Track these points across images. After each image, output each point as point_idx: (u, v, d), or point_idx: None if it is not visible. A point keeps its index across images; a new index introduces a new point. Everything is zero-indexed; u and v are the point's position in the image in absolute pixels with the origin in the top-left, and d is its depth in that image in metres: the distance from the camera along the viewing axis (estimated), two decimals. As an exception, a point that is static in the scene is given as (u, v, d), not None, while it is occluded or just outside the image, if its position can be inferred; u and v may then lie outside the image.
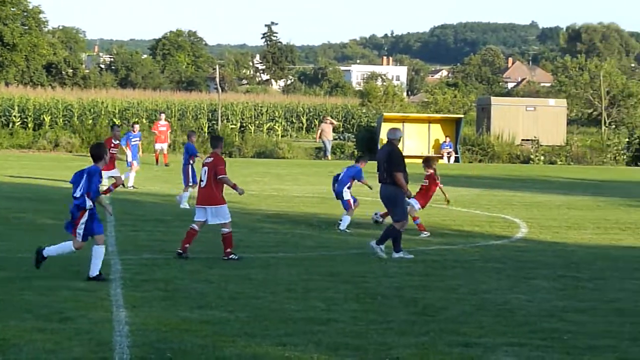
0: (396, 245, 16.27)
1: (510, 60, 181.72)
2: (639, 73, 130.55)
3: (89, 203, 12.98)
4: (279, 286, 13.27)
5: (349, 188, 20.58)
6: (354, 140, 54.21)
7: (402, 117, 53.02)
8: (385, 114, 53.32)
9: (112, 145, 26.18)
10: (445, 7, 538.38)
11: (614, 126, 65.85)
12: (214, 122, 59.80)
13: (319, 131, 50.79)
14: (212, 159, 15.86)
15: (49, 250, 13.37)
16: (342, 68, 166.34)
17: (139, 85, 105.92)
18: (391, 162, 16.17)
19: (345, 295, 12.73)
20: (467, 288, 13.55)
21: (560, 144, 54.57)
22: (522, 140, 55.08)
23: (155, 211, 22.87)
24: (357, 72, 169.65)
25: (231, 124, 59.99)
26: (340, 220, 20.14)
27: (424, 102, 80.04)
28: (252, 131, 59.67)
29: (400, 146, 17.04)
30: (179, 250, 15.61)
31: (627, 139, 56.69)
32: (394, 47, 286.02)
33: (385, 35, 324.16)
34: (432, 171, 20.15)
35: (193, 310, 11.41)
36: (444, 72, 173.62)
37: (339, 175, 20.91)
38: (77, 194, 12.99)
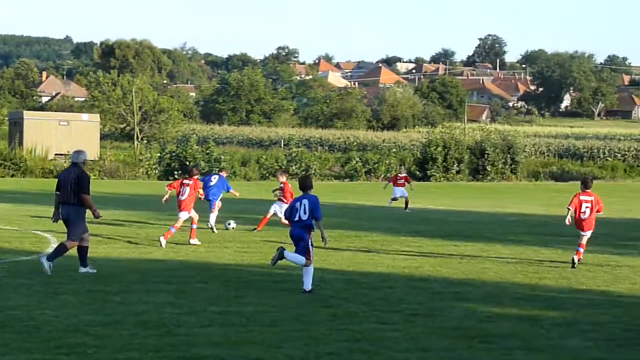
0: (53, 257, 16.69)
1: (45, 74, 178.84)
2: (170, 90, 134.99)
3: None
4: None
5: None
6: None
7: None
8: None
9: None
10: None
11: (146, 141, 67.44)
12: None
13: None
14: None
15: (289, 255, 15.21)
16: None
17: None
18: (80, 184, 16.49)
19: None
20: (-9, 307, 13.12)
21: (93, 158, 54.78)
22: (56, 154, 54.58)
23: None
24: None
25: None
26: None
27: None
28: None
29: None
30: None
31: (158, 154, 58.33)
32: None
33: None
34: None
35: None
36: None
37: None
38: (304, 217, 15.22)
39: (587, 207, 19.85)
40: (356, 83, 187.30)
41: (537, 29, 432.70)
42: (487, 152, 64.80)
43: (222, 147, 75.95)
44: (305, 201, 15.25)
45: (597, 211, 20.00)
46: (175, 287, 15.51)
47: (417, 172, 63.77)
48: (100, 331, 11.73)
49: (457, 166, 64.12)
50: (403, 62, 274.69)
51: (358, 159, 64.62)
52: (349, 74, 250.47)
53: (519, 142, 69.08)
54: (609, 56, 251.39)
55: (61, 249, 16.82)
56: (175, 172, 56.10)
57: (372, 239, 24.53)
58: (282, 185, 25.87)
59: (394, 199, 36.97)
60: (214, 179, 26.26)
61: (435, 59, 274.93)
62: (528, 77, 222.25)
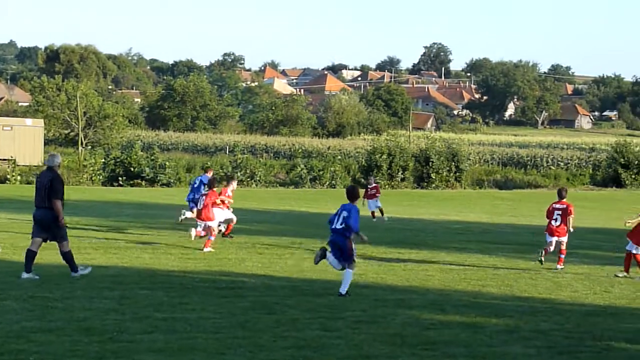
0: (72, 265, 17.20)
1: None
2: (115, 95, 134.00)
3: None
4: None
5: None
6: None
7: None
8: None
9: None
10: None
11: (90, 147, 66.88)
12: None
13: None
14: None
15: (329, 257, 16.00)
16: None
17: None
18: (52, 188, 16.53)
19: None
20: None
21: (37, 164, 54.23)
22: (0, 159, 53.94)
23: None
24: None
25: None
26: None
27: None
28: None
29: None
30: None
31: (103, 160, 57.86)
32: None
33: None
34: None
35: None
36: None
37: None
38: (338, 225, 15.82)
39: (558, 214, 21.46)
40: (302, 90, 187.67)
41: (482, 38, 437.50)
42: (431, 160, 65.26)
43: (167, 154, 75.59)
44: (344, 212, 15.87)
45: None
46: (119, 294, 15.40)
47: (362, 180, 64.05)
48: (42, 338, 11.61)
49: (402, 174, 64.48)
50: (349, 69, 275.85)
51: (303, 166, 64.68)
52: (294, 81, 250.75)
53: (463, 150, 69.64)
54: (552, 65, 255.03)
55: (67, 256, 17.09)
56: (120, 178, 55.66)
57: (317, 245, 24.56)
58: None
59: (374, 213, 34.41)
60: (198, 181, 27.72)
61: (380, 67, 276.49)
62: (473, 86, 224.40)
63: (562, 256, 21.44)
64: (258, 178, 62.58)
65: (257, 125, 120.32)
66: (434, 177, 65.18)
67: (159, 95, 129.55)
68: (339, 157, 75.76)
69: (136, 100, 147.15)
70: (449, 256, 23.15)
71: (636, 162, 69.90)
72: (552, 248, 21.48)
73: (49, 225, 16.81)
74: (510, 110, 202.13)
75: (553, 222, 21.46)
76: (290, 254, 22.64)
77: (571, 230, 21.60)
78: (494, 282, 18.60)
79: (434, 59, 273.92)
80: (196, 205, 25.26)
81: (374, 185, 35.25)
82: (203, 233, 23.34)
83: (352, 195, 16.17)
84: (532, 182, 71.96)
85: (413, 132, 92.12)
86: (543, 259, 21.30)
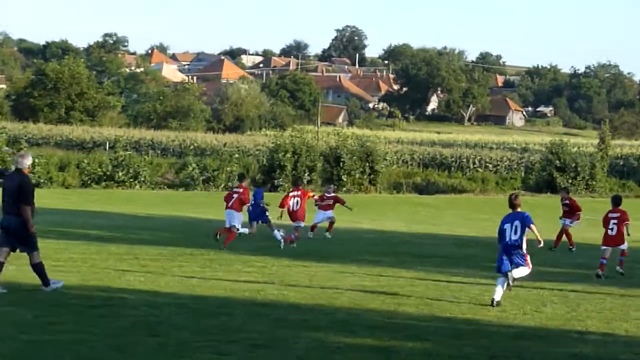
0: (43, 278, 17.57)
1: None
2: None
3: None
4: None
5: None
6: None
7: None
8: None
9: None
10: None
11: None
12: None
13: None
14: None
15: (516, 274, 18.63)
16: None
17: None
18: (20, 193, 16.93)
19: None
20: None
21: None
22: None
23: None
24: None
25: None
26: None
27: None
28: None
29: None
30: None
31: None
32: None
33: None
34: None
35: None
36: None
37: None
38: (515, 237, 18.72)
39: (614, 223, 24.41)
40: (195, 78, 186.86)
41: (401, 21, 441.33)
42: (342, 159, 65.63)
43: (37, 149, 74.42)
44: (517, 222, 18.59)
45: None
46: (-25, 313, 15.15)
47: (263, 181, 64.07)
48: None
49: (309, 175, 64.68)
50: (249, 54, 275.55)
51: (195, 166, 64.42)
52: (186, 67, 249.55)
53: (379, 149, 70.22)
54: (481, 54, 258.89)
55: (37, 268, 17.47)
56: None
57: (209, 257, 24.51)
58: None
59: (314, 227, 33.00)
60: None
61: (285, 52, 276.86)
62: (391, 75, 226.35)
63: (622, 258, 24.44)
64: (143, 179, 62.12)
65: (143, 118, 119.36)
66: (345, 180, 65.55)
67: (27, 81, 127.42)
68: (237, 155, 75.62)
69: (1, 86, 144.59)
70: (361, 270, 23.29)
71: (573, 165, 71.28)
72: (607, 256, 23.96)
73: (16, 233, 17.15)
74: (433, 104, 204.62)
75: (609, 231, 24.31)
76: (178, 266, 22.52)
77: (628, 235, 24.39)
78: (411, 300, 18.79)
79: (347, 44, 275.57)
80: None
81: (332, 195, 34.26)
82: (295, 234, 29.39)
83: (513, 204, 19.02)
84: (456, 187, 72.91)
85: (322, 128, 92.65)
86: (600, 272, 23.71)
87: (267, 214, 29.42)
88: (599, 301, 19.79)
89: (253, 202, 29.46)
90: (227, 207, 28.00)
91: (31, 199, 17.05)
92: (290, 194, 30.49)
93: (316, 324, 15.63)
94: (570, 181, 70.40)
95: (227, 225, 27.78)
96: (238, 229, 27.87)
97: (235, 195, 27.94)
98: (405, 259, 26.42)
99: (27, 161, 17.41)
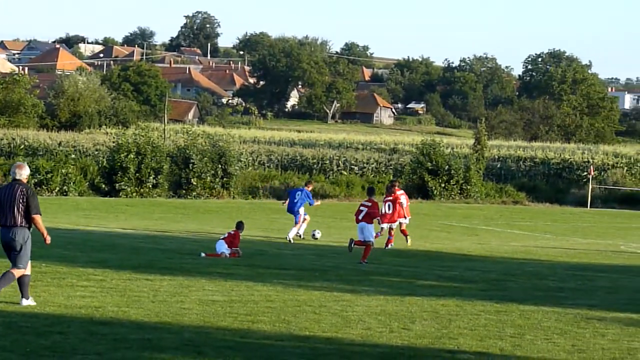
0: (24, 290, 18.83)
1: None
2: None
3: None
4: None
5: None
6: None
7: None
8: None
9: None
10: None
11: None
12: None
13: None
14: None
15: None
16: None
17: None
18: (29, 203, 18.71)
19: None
20: None
21: None
22: None
23: None
24: None
25: None
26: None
27: None
28: None
29: None
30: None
31: None
32: None
33: None
34: None
35: None
36: None
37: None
38: None
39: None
40: (26, 68, 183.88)
41: (258, 8, 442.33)
42: (192, 161, 65.35)
43: None
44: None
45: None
46: None
47: (103, 185, 63.44)
48: None
49: (155, 178, 64.23)
50: (87, 43, 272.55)
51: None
52: (16, 56, 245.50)
53: (233, 149, 70.09)
54: (346, 44, 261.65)
55: (6, 279, 18.62)
56: None
57: (40, 269, 24.13)
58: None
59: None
60: (298, 194, 38.48)
61: (129, 41, 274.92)
62: (247, 68, 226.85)
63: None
64: (-37, 182, 60.72)
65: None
66: (195, 183, 65.33)
67: None
68: (74, 155, 74.58)
69: None
70: (211, 284, 23.25)
71: (446, 168, 72.19)
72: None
73: (16, 245, 18.74)
74: (293, 100, 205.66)
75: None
76: (4, 281, 22.10)
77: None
78: (267, 317, 18.84)
79: (198, 33, 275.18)
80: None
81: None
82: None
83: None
84: (318, 191, 73.30)
85: (170, 125, 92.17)
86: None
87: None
88: (472, 317, 20.16)
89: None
90: (357, 221, 31.27)
91: (39, 208, 18.94)
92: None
93: (160, 345, 15.56)
94: (443, 185, 71.38)
95: (361, 239, 30.95)
96: (373, 243, 31.17)
97: (364, 209, 31.14)
98: (261, 271, 26.47)
99: (26, 172, 19.65)
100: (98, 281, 22.84)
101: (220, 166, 66.76)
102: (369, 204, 31.37)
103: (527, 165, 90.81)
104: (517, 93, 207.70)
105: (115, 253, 29.14)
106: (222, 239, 31.09)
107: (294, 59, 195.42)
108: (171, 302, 20.16)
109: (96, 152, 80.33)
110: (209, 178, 66.02)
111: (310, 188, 39.73)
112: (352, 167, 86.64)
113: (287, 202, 38.83)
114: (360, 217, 31.06)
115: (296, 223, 37.98)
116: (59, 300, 19.61)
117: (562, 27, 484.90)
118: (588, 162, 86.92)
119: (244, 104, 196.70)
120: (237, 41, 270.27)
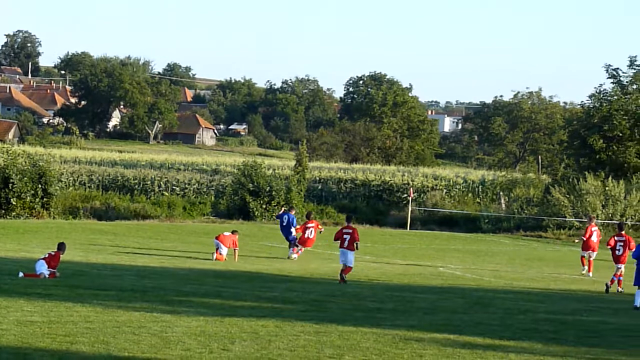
0: None
1: None
2: None
3: None
4: None
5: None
6: None
7: None
8: None
9: None
10: None
11: None
12: None
13: None
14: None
15: None
16: None
17: None
18: None
19: None
20: None
21: None
22: None
23: None
24: None
25: None
26: None
27: None
28: None
29: None
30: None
31: None
32: None
33: None
34: None
35: None
36: None
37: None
38: None
39: (620, 245, 35.41)
40: None
41: (80, 27, 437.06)
42: (12, 181, 64.16)
43: None
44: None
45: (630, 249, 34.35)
46: None
47: None
48: None
49: (-27, 198, 62.84)
50: None
51: None
52: None
53: (53, 169, 69.07)
54: (169, 65, 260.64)
55: None
56: None
57: None
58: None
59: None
60: (285, 219, 43.56)
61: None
62: (68, 87, 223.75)
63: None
64: None
65: None
66: (14, 203, 64.12)
67: None
68: None
69: None
70: (29, 304, 22.93)
71: (267, 189, 72.56)
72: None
73: None
74: (115, 120, 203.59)
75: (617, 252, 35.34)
76: None
77: None
78: (85, 338, 18.69)
79: (19, 52, 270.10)
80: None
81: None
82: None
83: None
84: (139, 212, 72.77)
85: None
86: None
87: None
88: (292, 338, 20.37)
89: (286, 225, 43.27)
90: (341, 247, 34.09)
91: None
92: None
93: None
94: (264, 207, 71.69)
95: (344, 263, 33.98)
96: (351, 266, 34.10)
97: (347, 237, 33.82)
98: (80, 292, 26.21)
99: None
100: None
101: (40, 186, 65.67)
102: (350, 230, 34.04)
103: (347, 186, 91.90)
104: (339, 115, 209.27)
105: None
106: (42, 258, 30.74)
107: (116, 79, 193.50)
108: (-12, 324, 19.81)
109: None
110: (28, 198, 64.86)
111: (293, 212, 45.33)
112: (174, 187, 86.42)
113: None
114: (345, 245, 33.80)
115: (295, 246, 42.82)
116: None
117: (383, 50, 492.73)
118: (408, 184, 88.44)
119: (65, 124, 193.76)
120: (59, 60, 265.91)
